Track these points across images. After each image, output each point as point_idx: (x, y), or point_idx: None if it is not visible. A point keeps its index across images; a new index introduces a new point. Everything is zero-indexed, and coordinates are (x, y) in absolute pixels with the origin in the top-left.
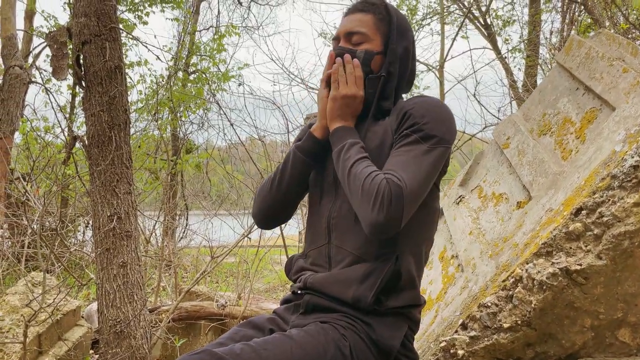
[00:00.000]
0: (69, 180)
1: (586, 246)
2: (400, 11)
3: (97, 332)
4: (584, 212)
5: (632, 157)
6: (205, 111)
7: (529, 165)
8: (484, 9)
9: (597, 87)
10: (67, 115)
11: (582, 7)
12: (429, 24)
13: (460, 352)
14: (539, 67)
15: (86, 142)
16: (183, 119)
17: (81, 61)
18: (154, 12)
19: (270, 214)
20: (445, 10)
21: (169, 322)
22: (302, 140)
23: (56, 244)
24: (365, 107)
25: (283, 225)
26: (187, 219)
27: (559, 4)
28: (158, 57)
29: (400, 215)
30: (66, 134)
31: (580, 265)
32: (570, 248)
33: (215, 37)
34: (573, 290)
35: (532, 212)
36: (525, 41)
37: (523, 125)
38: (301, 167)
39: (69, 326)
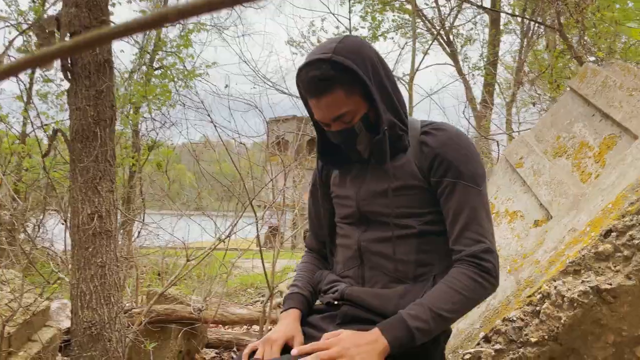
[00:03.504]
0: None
1: (615, 267)
2: (347, 37)
3: (65, 333)
4: (613, 234)
5: None
6: (170, 107)
7: (546, 185)
8: (447, 25)
9: (617, 115)
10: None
11: (558, 33)
12: (392, 38)
13: None
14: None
15: (68, 136)
16: (148, 114)
17: None
18: (120, 3)
19: None
20: (409, 26)
21: (144, 324)
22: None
23: (19, 237)
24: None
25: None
26: (143, 218)
27: (518, 28)
28: (122, 51)
29: (497, 274)
30: (36, 124)
31: (611, 284)
32: (599, 268)
33: (182, 32)
34: (601, 308)
35: (554, 231)
36: (485, 60)
37: (536, 146)
38: None
39: (38, 327)
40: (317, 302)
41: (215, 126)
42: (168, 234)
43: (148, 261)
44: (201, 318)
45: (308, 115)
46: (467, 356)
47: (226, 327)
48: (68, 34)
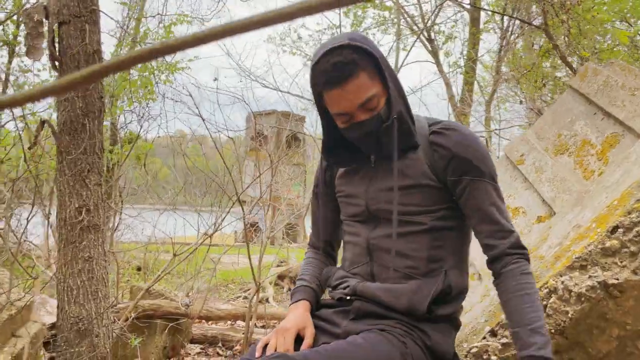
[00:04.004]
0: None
1: (621, 262)
2: (354, 32)
3: (50, 329)
4: (620, 230)
5: None
6: (150, 100)
7: (549, 182)
8: (429, 23)
9: (620, 113)
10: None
11: (544, 32)
12: (374, 34)
13: (493, 357)
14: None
15: (55, 128)
16: (128, 107)
17: (56, 42)
18: None
19: None
20: (390, 23)
21: (132, 320)
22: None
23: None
24: (387, 147)
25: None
26: (120, 213)
27: (497, 27)
28: (102, 42)
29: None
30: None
31: (618, 279)
32: (606, 263)
33: (162, 24)
34: (608, 303)
35: (558, 227)
36: (465, 58)
37: (537, 143)
38: None
39: (22, 322)
40: (328, 297)
41: (203, 120)
42: (149, 229)
43: (131, 256)
44: (188, 313)
45: (319, 115)
46: (474, 350)
47: (210, 322)
48: (57, 23)
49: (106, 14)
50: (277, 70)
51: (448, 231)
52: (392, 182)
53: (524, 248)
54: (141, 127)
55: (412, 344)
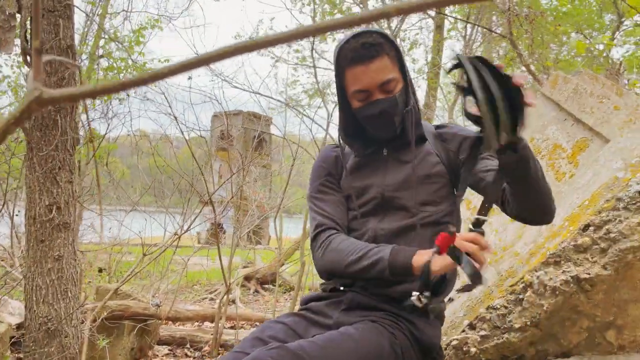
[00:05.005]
0: None
1: (592, 258)
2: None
3: (17, 329)
4: (591, 228)
5: (638, 184)
6: (119, 100)
7: None
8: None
9: (589, 120)
10: None
11: (509, 41)
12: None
13: (473, 349)
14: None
15: (26, 124)
16: (92, 107)
17: (28, 36)
18: None
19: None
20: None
21: (101, 320)
22: (398, 267)
23: None
24: (401, 136)
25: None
26: (77, 213)
27: (460, 35)
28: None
29: None
30: None
31: (589, 274)
32: (578, 259)
33: (127, 20)
34: (580, 296)
35: (531, 226)
36: (429, 64)
37: None
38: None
39: None
40: (319, 290)
41: (175, 119)
42: (114, 230)
43: (93, 258)
44: (157, 314)
45: (337, 100)
46: (454, 342)
47: (177, 323)
48: (29, 17)
49: (81, 10)
50: (248, 71)
51: (445, 226)
52: (406, 172)
53: None
54: (108, 125)
55: (401, 335)
